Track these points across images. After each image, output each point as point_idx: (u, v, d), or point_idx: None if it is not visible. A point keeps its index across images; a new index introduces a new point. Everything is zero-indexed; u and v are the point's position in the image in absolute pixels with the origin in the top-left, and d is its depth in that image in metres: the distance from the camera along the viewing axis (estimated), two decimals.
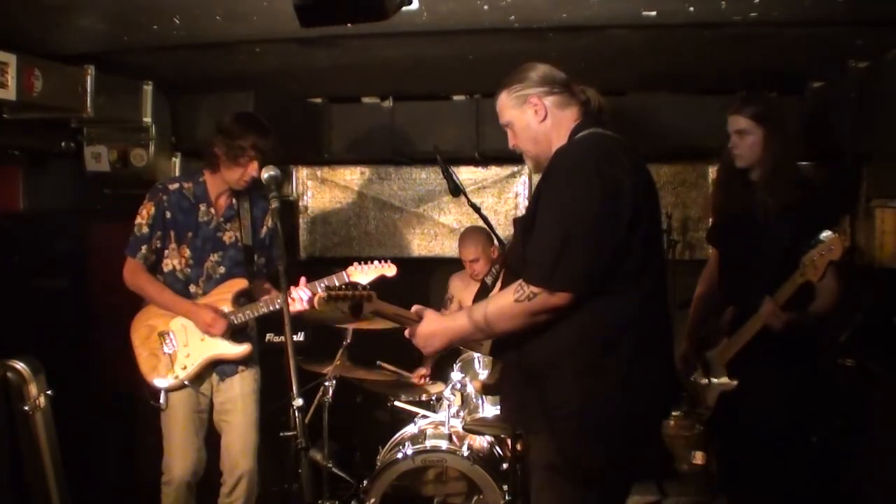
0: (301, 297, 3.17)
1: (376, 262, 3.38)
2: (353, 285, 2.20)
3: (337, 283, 3.19)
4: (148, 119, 3.78)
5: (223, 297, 3.19)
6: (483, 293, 2.66)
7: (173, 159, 3.97)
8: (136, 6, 2.72)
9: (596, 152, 2.04)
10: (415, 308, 2.24)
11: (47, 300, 3.68)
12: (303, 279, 3.21)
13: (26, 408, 2.82)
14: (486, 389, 3.39)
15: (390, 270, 3.38)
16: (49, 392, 2.90)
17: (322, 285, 3.18)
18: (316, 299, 2.14)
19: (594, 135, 2.13)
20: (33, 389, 2.85)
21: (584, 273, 1.95)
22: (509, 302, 2.00)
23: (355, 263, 3.36)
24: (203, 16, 2.76)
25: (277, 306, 3.17)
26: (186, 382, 3.15)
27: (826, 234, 2.56)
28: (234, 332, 3.21)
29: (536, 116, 2.19)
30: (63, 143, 3.80)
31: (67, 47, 3.14)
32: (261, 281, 3.37)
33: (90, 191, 3.92)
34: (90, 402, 3.60)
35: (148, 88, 3.76)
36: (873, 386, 3.34)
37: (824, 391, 3.22)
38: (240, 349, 3.21)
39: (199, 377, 3.20)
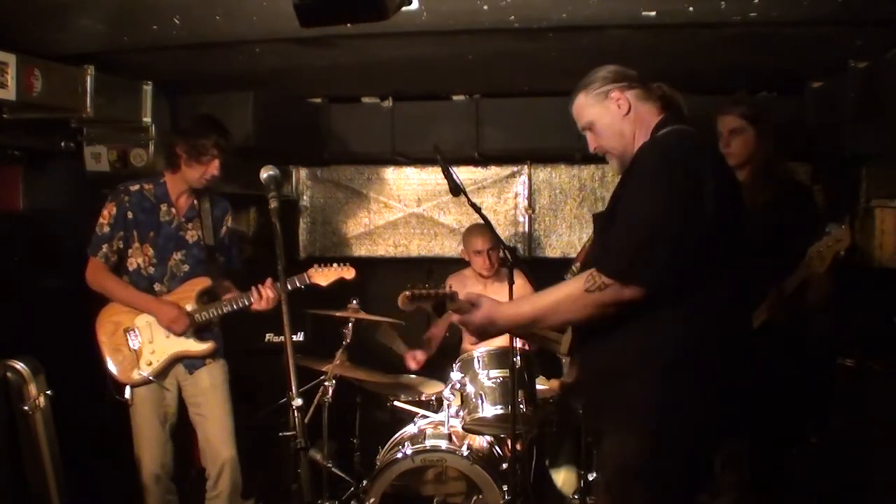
0: (268, 295, 3.24)
1: (335, 265, 3.44)
2: (435, 285, 2.19)
3: (298, 284, 3.33)
4: (148, 119, 3.79)
5: (186, 295, 3.26)
6: None
7: None
8: (136, 6, 2.72)
9: (681, 148, 2.00)
10: (467, 295, 2.20)
11: (47, 300, 3.68)
12: (269, 280, 3.26)
13: (26, 408, 2.82)
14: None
15: (349, 273, 3.45)
16: (49, 392, 2.90)
17: (295, 285, 3.27)
18: (400, 299, 2.14)
19: (678, 131, 2.07)
20: (33, 389, 2.85)
21: (661, 269, 1.89)
22: (579, 290, 1.95)
23: (315, 265, 3.42)
24: (203, 16, 2.76)
25: (241, 305, 3.28)
26: (151, 378, 3.22)
27: (833, 226, 2.60)
28: (199, 329, 3.28)
29: (620, 110, 2.14)
30: (63, 143, 3.81)
31: (67, 47, 3.15)
32: (221, 279, 3.44)
33: (90, 191, 3.92)
34: (90, 402, 3.60)
35: (148, 88, 3.77)
36: (873, 386, 3.34)
37: (824, 391, 3.23)
38: (204, 346, 3.29)
39: (164, 372, 3.27)
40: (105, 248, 3.21)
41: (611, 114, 2.16)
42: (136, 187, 3.27)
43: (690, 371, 1.96)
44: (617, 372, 2.03)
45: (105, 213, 3.22)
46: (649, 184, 1.95)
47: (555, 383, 3.44)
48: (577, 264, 2.69)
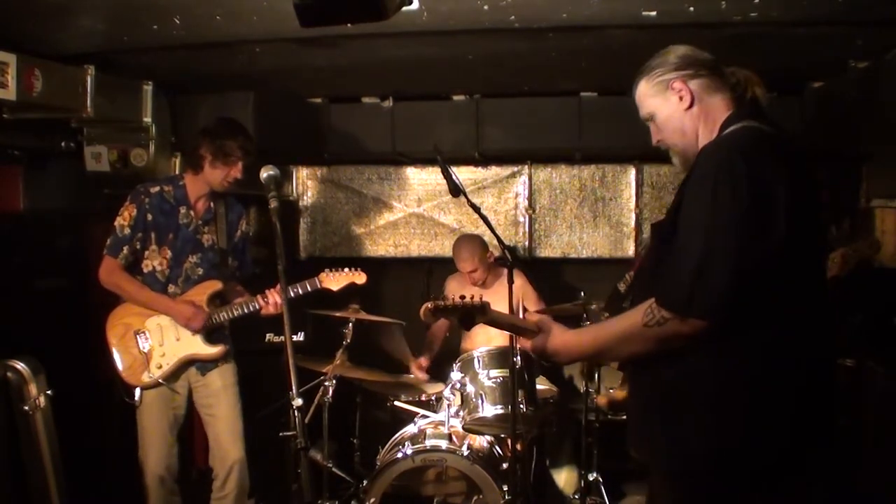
0: (276, 301, 3.25)
1: (347, 270, 3.44)
2: (462, 296, 2.02)
3: (309, 289, 3.31)
4: (148, 119, 3.79)
5: (198, 298, 3.27)
6: (615, 300, 2.58)
7: (173, 159, 3.97)
8: (136, 6, 2.72)
9: (746, 153, 1.71)
10: (533, 317, 2.09)
11: (47, 300, 3.68)
12: (279, 285, 3.24)
13: (26, 408, 2.82)
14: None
15: (360, 278, 3.45)
16: (49, 392, 2.90)
17: (294, 291, 3.27)
18: (422, 311, 2.07)
19: (746, 130, 1.81)
20: (33, 389, 2.85)
21: (724, 302, 1.66)
22: (638, 325, 1.77)
23: (326, 270, 3.41)
24: (203, 16, 2.76)
25: (252, 309, 3.29)
26: (161, 381, 3.22)
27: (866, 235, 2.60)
28: (209, 333, 3.29)
29: (682, 103, 1.89)
30: (63, 143, 3.81)
31: (67, 47, 3.15)
32: (233, 284, 3.45)
33: (90, 191, 3.92)
34: (90, 402, 3.60)
35: (148, 88, 3.77)
36: (873, 386, 3.34)
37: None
38: (214, 349, 3.30)
39: (174, 375, 3.27)
40: (125, 249, 3.20)
41: (671, 107, 1.92)
42: (157, 189, 3.26)
43: (749, 407, 1.74)
44: (667, 402, 1.83)
45: (125, 214, 3.21)
46: (709, 196, 1.69)
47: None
48: (631, 273, 2.64)
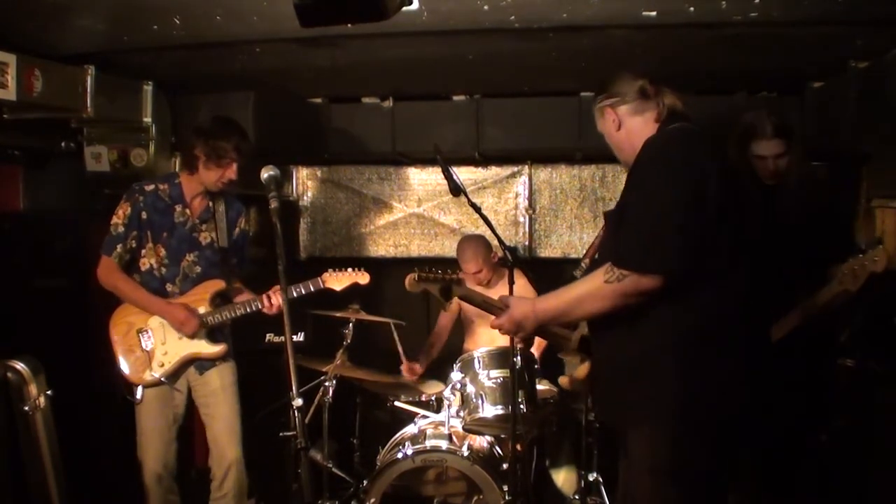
0: (275, 302, 3.26)
1: (350, 270, 3.45)
2: (444, 269, 2.27)
3: (312, 289, 3.33)
4: (148, 119, 3.79)
5: (200, 297, 3.28)
6: None
7: (173, 159, 3.97)
8: (136, 6, 2.72)
9: (683, 143, 2.10)
10: (500, 297, 2.32)
11: (47, 300, 3.68)
12: (276, 287, 3.28)
13: (26, 408, 2.81)
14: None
15: (363, 278, 3.46)
16: (49, 392, 2.90)
17: (297, 291, 3.28)
18: (407, 280, 2.24)
19: (679, 127, 2.17)
20: (33, 389, 2.85)
21: (674, 255, 1.96)
22: (599, 283, 2.03)
23: (329, 270, 3.42)
24: (203, 16, 2.76)
25: (253, 309, 3.30)
26: (163, 379, 3.23)
27: (870, 244, 2.58)
28: (211, 332, 3.30)
29: (612, 126, 2.28)
30: (63, 143, 3.81)
31: (67, 47, 3.15)
32: (234, 282, 3.45)
33: (90, 191, 3.92)
34: (90, 402, 3.60)
35: (148, 88, 3.77)
36: (873, 386, 3.34)
37: (825, 391, 3.22)
38: (216, 348, 3.30)
39: (176, 374, 3.28)
40: (119, 247, 3.20)
41: (607, 128, 2.31)
42: (151, 187, 3.26)
43: (710, 363, 2.01)
44: (636, 367, 2.08)
45: (120, 212, 3.22)
46: (653, 175, 2.04)
47: (565, 380, 3.42)
48: (587, 260, 2.70)
